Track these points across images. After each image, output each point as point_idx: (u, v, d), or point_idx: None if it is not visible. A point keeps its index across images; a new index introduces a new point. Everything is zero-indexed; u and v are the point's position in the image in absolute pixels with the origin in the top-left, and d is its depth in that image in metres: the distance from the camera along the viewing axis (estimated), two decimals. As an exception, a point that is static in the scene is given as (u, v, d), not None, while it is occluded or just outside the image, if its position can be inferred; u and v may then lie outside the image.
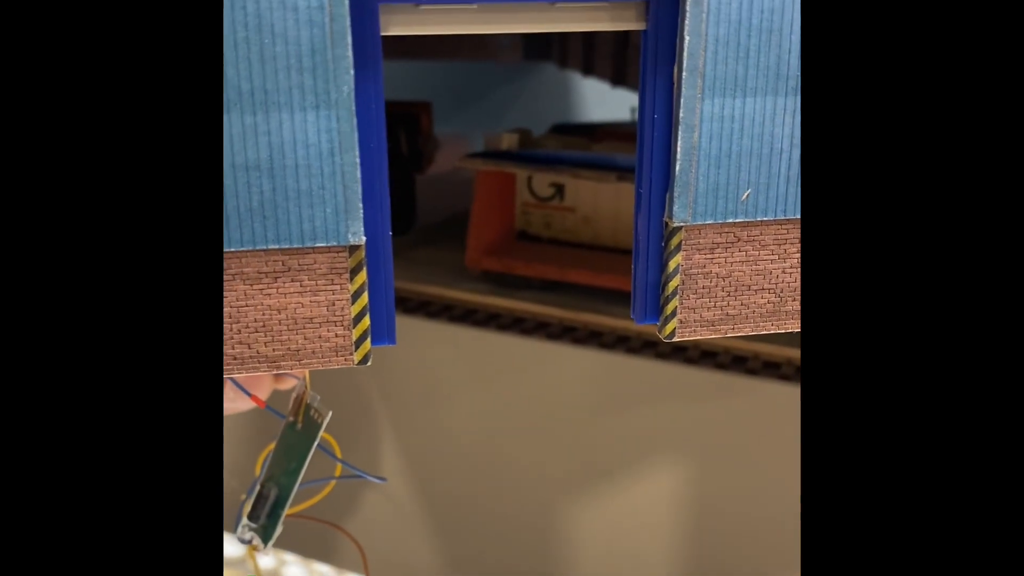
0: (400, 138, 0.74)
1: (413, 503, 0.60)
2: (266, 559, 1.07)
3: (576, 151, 0.59)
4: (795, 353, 0.50)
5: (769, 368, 0.50)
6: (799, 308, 0.25)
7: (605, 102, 1.13)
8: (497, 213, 0.61)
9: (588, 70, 1.05)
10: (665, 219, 0.24)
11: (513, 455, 0.56)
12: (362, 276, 0.22)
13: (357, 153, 0.21)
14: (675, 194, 0.23)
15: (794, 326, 0.25)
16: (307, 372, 0.30)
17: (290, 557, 1.04)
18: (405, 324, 0.57)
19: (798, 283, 0.25)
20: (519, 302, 0.57)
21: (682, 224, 0.23)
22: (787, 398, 0.48)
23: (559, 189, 0.62)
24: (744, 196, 0.23)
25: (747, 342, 0.51)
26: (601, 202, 0.61)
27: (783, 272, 0.25)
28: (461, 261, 0.61)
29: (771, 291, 0.25)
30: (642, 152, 0.24)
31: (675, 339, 0.25)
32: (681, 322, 0.25)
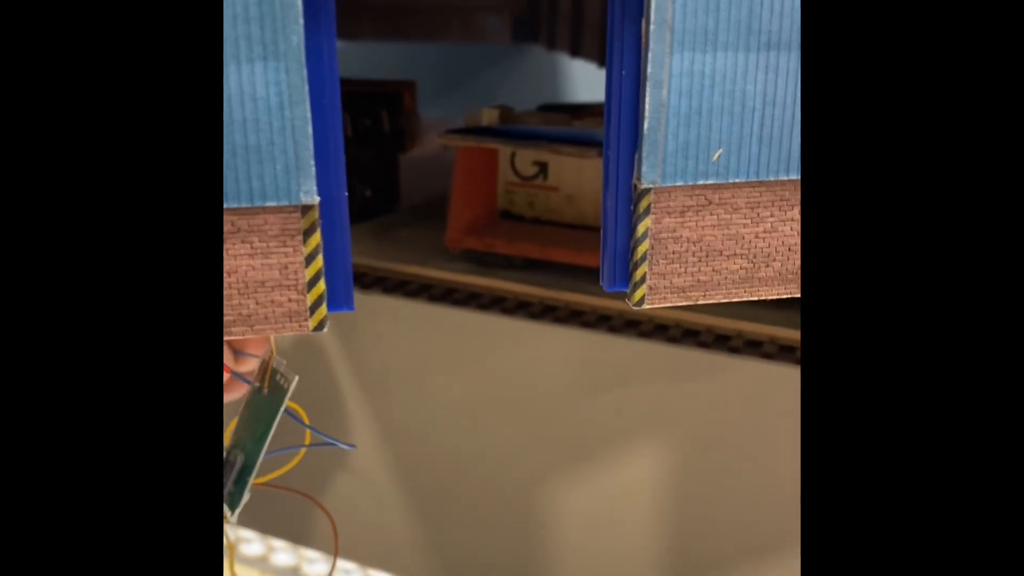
0: (382, 117, 0.73)
1: (390, 485, 0.59)
2: (255, 546, 1.06)
3: (558, 126, 0.58)
4: (778, 332, 0.49)
5: (752, 347, 0.49)
6: (773, 275, 0.24)
7: (593, 84, 1.12)
8: (478, 191, 0.60)
9: (575, 52, 1.04)
10: (634, 181, 0.23)
11: (493, 435, 0.56)
12: (316, 238, 0.21)
13: (308, 107, 0.20)
14: (643, 154, 0.22)
15: (768, 293, 0.24)
16: (272, 336, 0.29)
17: (278, 543, 1.03)
18: (383, 304, 0.56)
19: (771, 248, 0.24)
20: (500, 281, 0.56)
21: (651, 186, 0.23)
22: (770, 376, 0.47)
23: (542, 168, 0.61)
24: (715, 156, 0.22)
25: (730, 320, 0.50)
26: (585, 180, 0.60)
27: (756, 237, 0.24)
28: (442, 241, 0.60)
29: (744, 257, 0.24)
30: (610, 112, 0.23)
31: (644, 306, 0.24)
32: (650, 289, 0.24)
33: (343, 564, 1.02)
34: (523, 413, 0.54)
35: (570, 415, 0.53)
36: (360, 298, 0.57)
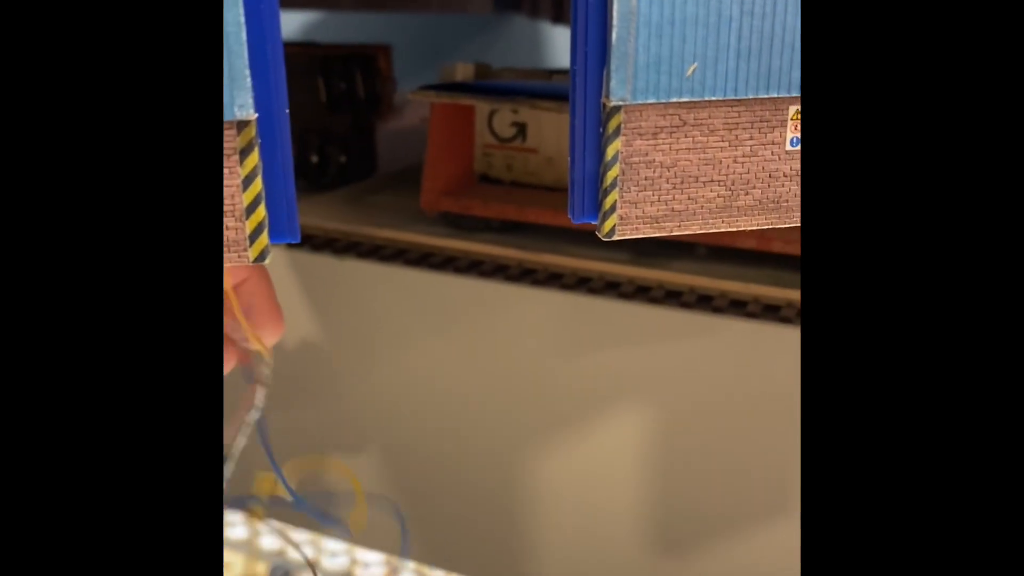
0: (357, 81, 0.71)
1: (368, 452, 0.58)
2: (239, 530, 1.04)
3: (535, 81, 0.56)
4: (762, 291, 0.47)
5: (735, 307, 0.47)
6: (752, 203, 0.23)
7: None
8: (454, 152, 0.58)
9: (558, 19, 1.02)
10: (602, 99, 0.21)
11: (471, 400, 0.54)
12: (254, 158, 0.20)
13: (241, 11, 0.18)
14: (612, 68, 0.21)
15: (747, 223, 0.23)
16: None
17: (267, 527, 1.01)
18: (357, 269, 0.55)
19: (751, 175, 0.22)
20: (476, 244, 0.54)
21: (621, 103, 0.21)
22: (755, 336, 0.46)
23: (521, 129, 0.59)
24: (689, 71, 0.21)
25: (712, 280, 0.48)
26: (564, 142, 0.58)
27: (734, 162, 0.22)
28: (418, 207, 0.58)
29: (721, 183, 0.22)
30: (576, 23, 0.21)
31: (615, 237, 0.22)
32: (621, 219, 0.22)
33: (330, 545, 1.01)
34: (502, 377, 0.53)
35: (551, 379, 0.51)
36: (333, 264, 0.55)
